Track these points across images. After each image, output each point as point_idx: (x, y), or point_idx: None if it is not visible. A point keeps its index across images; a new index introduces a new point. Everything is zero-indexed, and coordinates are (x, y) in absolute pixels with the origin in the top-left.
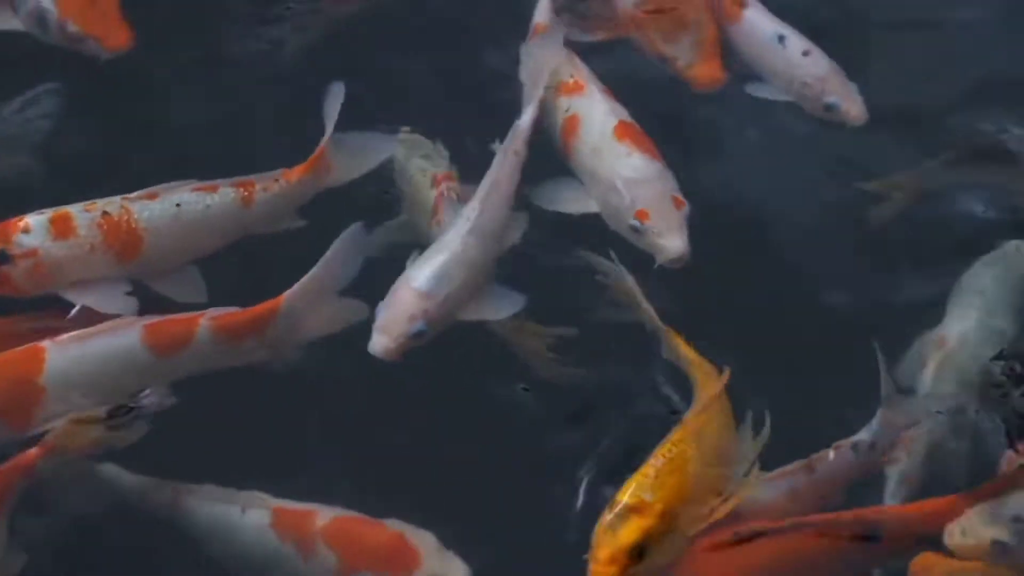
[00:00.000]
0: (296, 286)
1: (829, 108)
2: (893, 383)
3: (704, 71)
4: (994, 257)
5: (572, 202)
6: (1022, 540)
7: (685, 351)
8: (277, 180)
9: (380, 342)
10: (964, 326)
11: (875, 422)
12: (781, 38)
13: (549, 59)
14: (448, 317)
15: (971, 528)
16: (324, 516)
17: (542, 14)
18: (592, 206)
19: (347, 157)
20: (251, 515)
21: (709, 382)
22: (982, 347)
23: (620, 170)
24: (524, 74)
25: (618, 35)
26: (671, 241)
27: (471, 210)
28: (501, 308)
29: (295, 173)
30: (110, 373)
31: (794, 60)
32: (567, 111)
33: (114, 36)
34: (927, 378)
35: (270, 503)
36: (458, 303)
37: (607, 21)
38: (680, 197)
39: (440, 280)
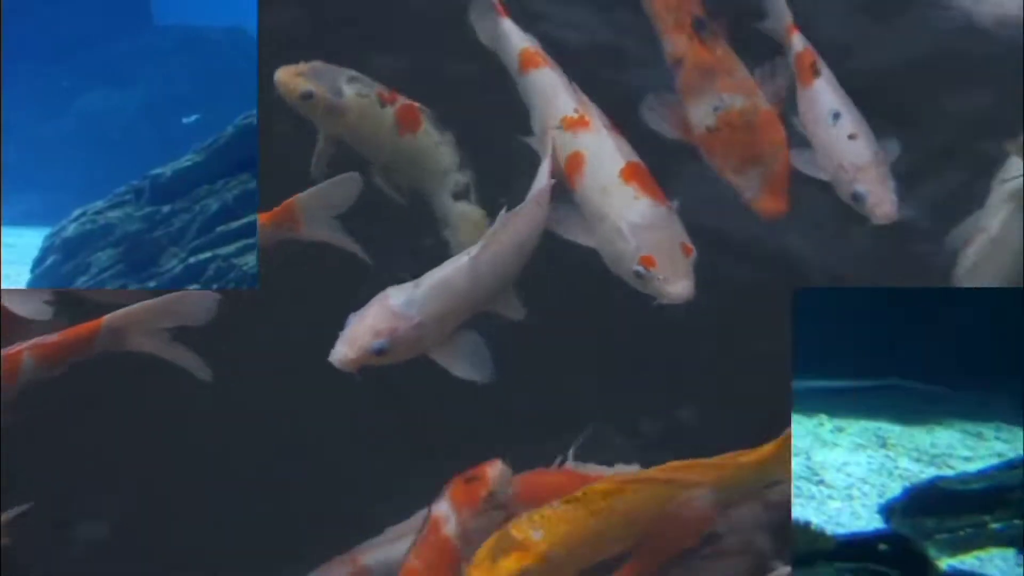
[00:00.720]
0: (121, 311)
1: (856, 198)
2: None
3: (768, 206)
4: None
5: (576, 232)
6: None
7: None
8: None
9: (339, 351)
10: (1003, 216)
11: None
12: (836, 115)
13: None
14: (416, 344)
15: None
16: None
17: (519, 38)
18: (591, 241)
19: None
20: None
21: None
22: (1018, 235)
23: (626, 214)
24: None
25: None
26: (676, 288)
27: (475, 247)
28: (471, 367)
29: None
30: None
31: (838, 141)
32: (571, 147)
33: None
34: (970, 258)
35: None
36: (430, 333)
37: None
38: (689, 244)
39: (417, 303)
